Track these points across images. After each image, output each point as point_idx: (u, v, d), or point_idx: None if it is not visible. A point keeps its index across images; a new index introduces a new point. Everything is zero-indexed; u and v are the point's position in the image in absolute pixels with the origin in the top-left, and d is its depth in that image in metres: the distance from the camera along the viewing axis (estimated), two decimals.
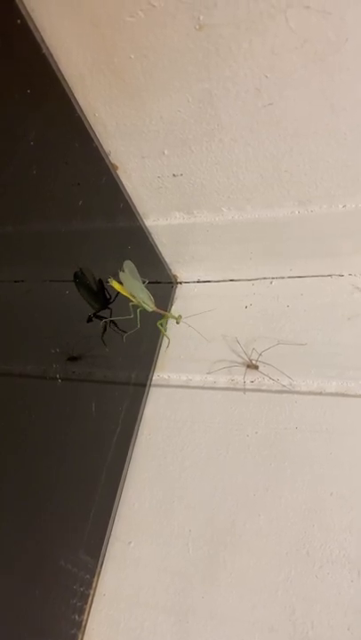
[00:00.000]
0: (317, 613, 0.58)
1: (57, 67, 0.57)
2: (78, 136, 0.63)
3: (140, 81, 0.59)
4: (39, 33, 0.53)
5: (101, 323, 0.69)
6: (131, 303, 0.70)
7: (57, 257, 0.62)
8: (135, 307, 0.70)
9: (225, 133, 0.64)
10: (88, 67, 0.58)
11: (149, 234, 0.83)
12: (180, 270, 0.93)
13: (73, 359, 0.63)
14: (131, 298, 0.69)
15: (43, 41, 0.54)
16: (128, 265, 0.71)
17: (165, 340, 0.83)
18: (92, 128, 0.65)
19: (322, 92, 0.57)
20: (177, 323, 0.74)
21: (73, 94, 0.60)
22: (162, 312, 0.75)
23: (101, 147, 0.67)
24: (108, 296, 0.69)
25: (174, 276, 0.93)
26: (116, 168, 0.71)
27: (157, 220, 0.80)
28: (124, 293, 0.69)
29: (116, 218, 0.75)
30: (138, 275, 0.72)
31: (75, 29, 0.54)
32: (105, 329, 0.69)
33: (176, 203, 0.77)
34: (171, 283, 0.93)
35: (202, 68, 0.56)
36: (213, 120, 0.62)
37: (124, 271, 0.70)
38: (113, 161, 0.70)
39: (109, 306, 0.69)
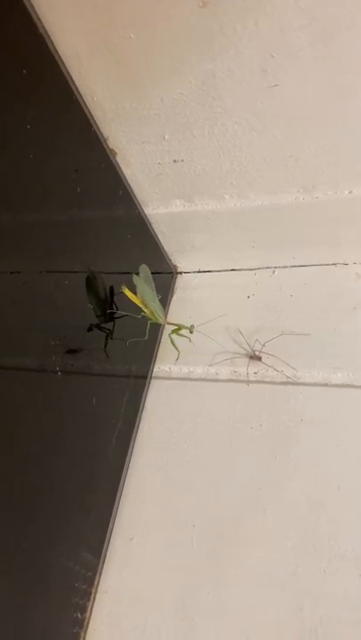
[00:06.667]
0: (325, 609, 0.57)
1: (53, 47, 0.54)
2: (76, 120, 0.61)
3: (140, 62, 0.57)
4: (35, 11, 0.51)
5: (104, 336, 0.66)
6: (142, 313, 0.68)
7: (54, 246, 0.60)
8: (145, 317, 0.68)
9: (228, 117, 0.62)
10: (86, 47, 0.56)
11: (149, 222, 0.81)
12: (180, 260, 0.91)
13: (72, 351, 0.62)
14: (143, 308, 0.67)
15: (39, 19, 0.52)
16: (144, 269, 0.69)
17: (175, 353, 0.76)
18: (90, 112, 0.62)
19: (329, 73, 0.55)
20: (190, 332, 0.71)
21: (70, 76, 0.58)
22: (174, 324, 0.72)
23: (100, 131, 0.65)
24: (114, 308, 0.66)
25: (174, 266, 0.92)
26: (114, 154, 0.69)
27: (157, 207, 0.79)
28: (137, 302, 0.66)
29: (115, 206, 0.73)
30: (153, 283, 0.69)
31: (72, 7, 0.52)
32: (107, 343, 0.67)
33: (177, 190, 0.75)
34: (171, 273, 0.92)
35: (205, 48, 0.54)
36: (216, 103, 0.60)
37: (138, 275, 0.67)
38: (112, 146, 0.68)
39: (115, 320, 0.67)
